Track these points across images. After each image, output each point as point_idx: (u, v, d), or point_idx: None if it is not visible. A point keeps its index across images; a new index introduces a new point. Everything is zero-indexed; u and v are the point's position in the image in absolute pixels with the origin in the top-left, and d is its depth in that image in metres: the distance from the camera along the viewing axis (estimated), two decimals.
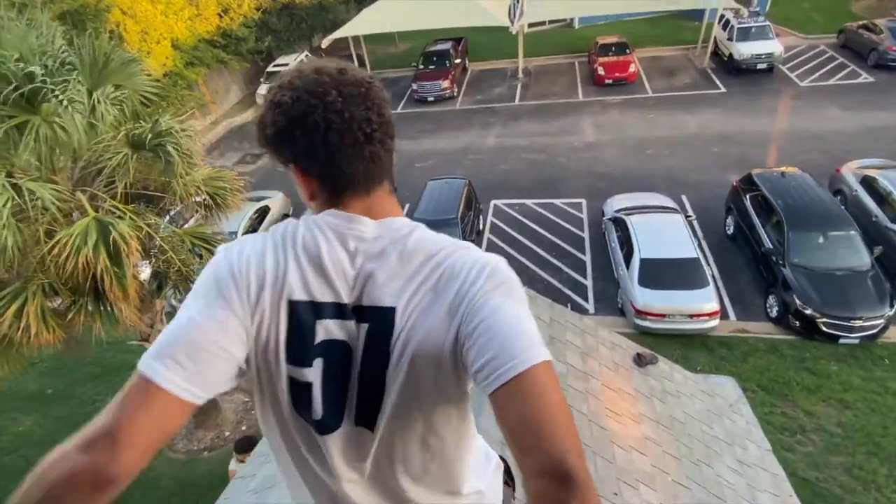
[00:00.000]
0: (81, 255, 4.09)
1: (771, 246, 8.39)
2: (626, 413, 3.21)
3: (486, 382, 0.73)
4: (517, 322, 0.76)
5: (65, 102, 4.42)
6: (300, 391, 0.82)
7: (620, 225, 9.07)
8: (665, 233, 8.57)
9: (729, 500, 3.01)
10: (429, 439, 0.88)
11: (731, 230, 9.82)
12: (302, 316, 0.80)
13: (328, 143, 0.80)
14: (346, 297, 0.81)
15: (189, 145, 5.16)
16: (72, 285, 4.63)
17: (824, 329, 7.50)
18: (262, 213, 11.46)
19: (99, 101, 4.81)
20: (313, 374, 0.81)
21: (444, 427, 0.89)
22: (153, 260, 5.54)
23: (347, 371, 0.82)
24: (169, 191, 5.64)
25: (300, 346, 0.80)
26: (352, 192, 0.85)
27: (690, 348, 7.80)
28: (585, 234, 10.52)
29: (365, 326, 0.81)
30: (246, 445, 4.56)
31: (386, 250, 0.82)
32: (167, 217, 6.71)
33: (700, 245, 9.47)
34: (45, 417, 7.80)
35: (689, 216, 9.99)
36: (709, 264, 9.09)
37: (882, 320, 7.34)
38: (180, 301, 6.77)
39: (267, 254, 0.82)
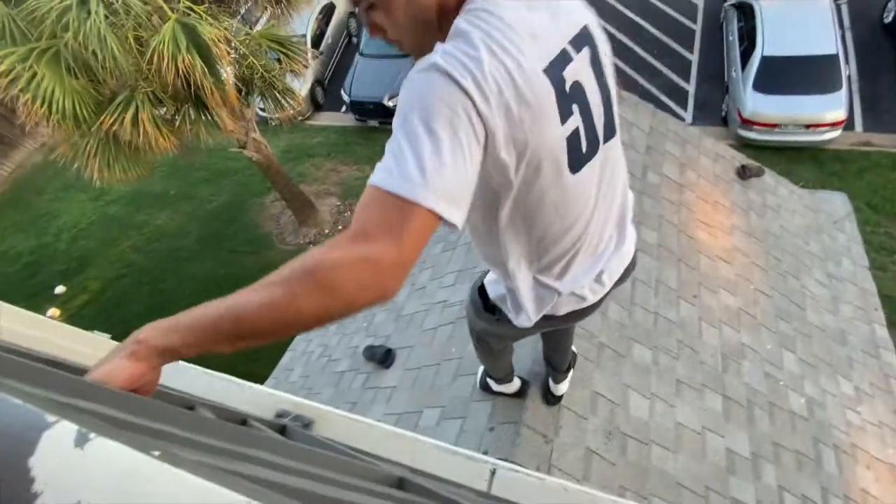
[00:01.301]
0: (179, 61, 4.17)
1: None
2: (718, 225, 3.16)
3: None
4: None
5: None
6: (570, 142, 0.87)
7: (746, 12, 7.51)
8: (802, 22, 7.03)
9: (809, 309, 3.08)
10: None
11: (891, 17, 7.84)
12: (555, 78, 0.80)
13: None
14: (562, 41, 0.84)
15: None
16: (173, 93, 4.86)
17: None
18: (328, 12, 10.66)
19: None
20: (575, 119, 0.86)
21: None
22: (237, 66, 5.56)
23: (587, 100, 0.89)
24: None
25: (564, 104, 0.82)
26: None
27: (796, 161, 7.10)
28: (697, 27, 8.92)
29: (585, 51, 0.87)
30: None
31: None
32: (238, 17, 6.47)
33: (843, 37, 7.76)
34: (175, 213, 9.15)
35: None
36: (847, 62, 7.58)
37: None
38: (261, 109, 6.97)
39: (491, 46, 0.73)
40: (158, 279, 8.07)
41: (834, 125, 6.75)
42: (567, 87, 0.83)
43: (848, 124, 7.09)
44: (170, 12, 4.55)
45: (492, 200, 0.90)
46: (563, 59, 0.82)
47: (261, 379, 4.24)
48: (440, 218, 0.67)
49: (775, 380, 2.67)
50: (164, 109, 5.28)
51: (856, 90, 7.53)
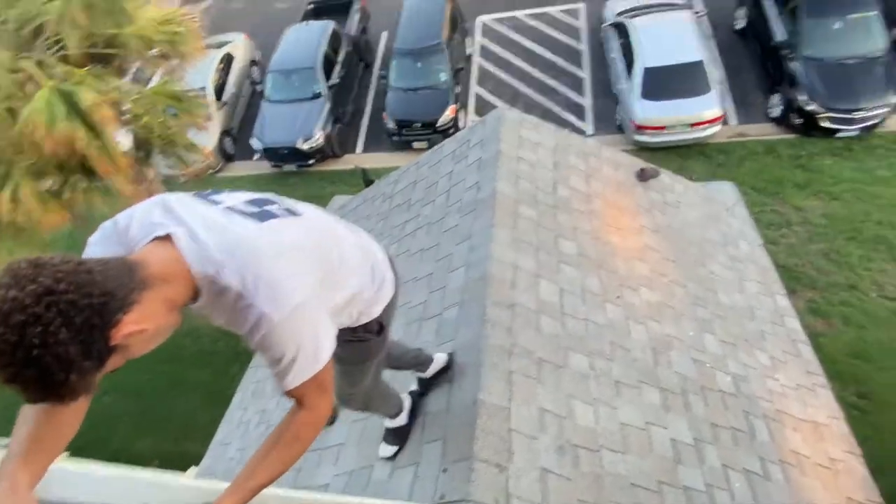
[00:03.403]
0: (58, 130, 3.86)
1: (783, 38, 7.77)
2: (628, 227, 3.37)
3: None
4: None
5: None
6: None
7: (622, 31, 8.29)
8: (670, 35, 7.88)
9: (720, 292, 3.35)
10: None
11: (740, 24, 9.00)
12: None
13: None
14: None
15: None
16: (58, 164, 4.47)
17: (824, 124, 7.40)
18: (227, 61, 10.44)
19: None
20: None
21: None
22: (132, 126, 5.24)
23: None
24: (120, 45, 5.06)
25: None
26: None
27: (687, 158, 7.83)
28: (584, 47, 9.69)
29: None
30: None
31: None
32: (128, 77, 6.15)
33: (707, 45, 8.78)
34: None
35: (698, 12, 9.05)
36: (714, 66, 8.56)
37: (885, 109, 7.19)
38: (169, 167, 6.65)
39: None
40: None
41: (713, 122, 7.55)
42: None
43: (725, 120, 7.96)
44: (44, 80, 4.22)
45: None
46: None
47: (196, 458, 3.86)
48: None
49: (702, 363, 2.84)
50: (50, 182, 4.84)
51: (727, 89, 8.50)
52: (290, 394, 1.04)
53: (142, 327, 0.83)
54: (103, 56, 5.17)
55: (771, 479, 2.51)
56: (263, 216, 1.04)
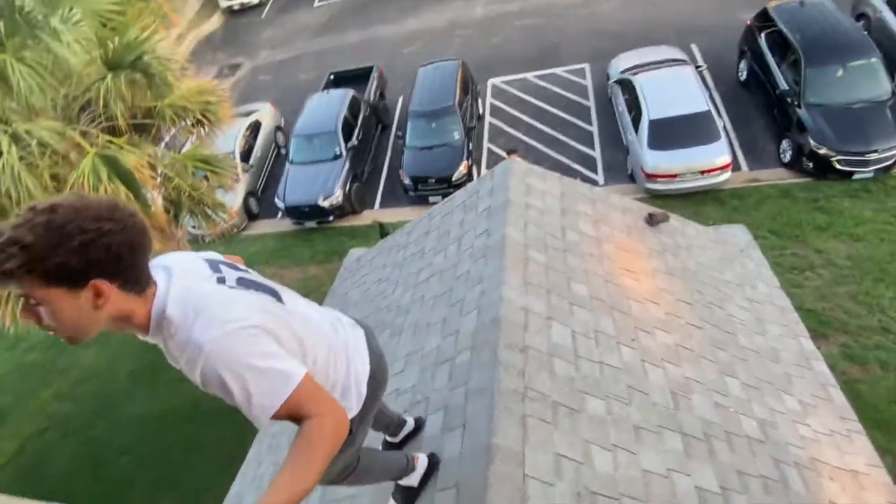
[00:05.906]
0: (101, 191, 4.16)
1: (786, 87, 7.98)
2: (641, 270, 3.38)
3: None
4: None
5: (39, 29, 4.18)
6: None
7: (627, 87, 8.65)
8: (674, 89, 8.18)
9: (740, 334, 3.27)
10: None
11: (744, 75, 9.29)
12: None
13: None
14: None
15: (166, 53, 4.94)
16: None
17: (838, 167, 7.41)
18: (255, 127, 11.14)
19: (62, 23, 4.51)
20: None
21: None
22: (162, 189, 5.59)
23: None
24: (157, 116, 5.50)
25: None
26: None
27: (702, 204, 7.86)
28: (591, 103, 10.08)
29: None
30: None
31: None
32: (162, 144, 6.62)
33: (711, 96, 9.06)
34: (104, 349, 8.49)
35: (700, 66, 9.41)
36: (720, 116, 8.78)
37: None
38: (195, 228, 6.97)
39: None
40: (87, 427, 7.26)
41: (723, 168, 7.64)
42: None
43: (735, 166, 8.05)
44: (88, 147, 4.60)
45: None
46: None
47: None
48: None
49: (725, 408, 2.74)
50: None
51: (734, 137, 8.66)
52: (277, 417, 1.02)
53: (104, 295, 1.01)
54: (141, 125, 5.62)
55: None
56: (242, 284, 1.17)
